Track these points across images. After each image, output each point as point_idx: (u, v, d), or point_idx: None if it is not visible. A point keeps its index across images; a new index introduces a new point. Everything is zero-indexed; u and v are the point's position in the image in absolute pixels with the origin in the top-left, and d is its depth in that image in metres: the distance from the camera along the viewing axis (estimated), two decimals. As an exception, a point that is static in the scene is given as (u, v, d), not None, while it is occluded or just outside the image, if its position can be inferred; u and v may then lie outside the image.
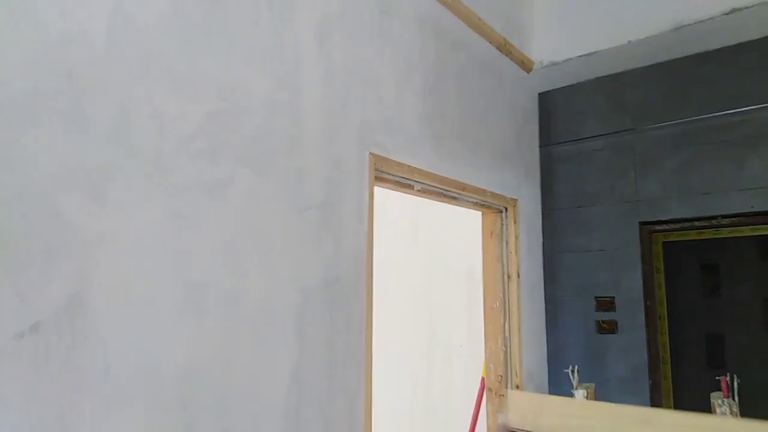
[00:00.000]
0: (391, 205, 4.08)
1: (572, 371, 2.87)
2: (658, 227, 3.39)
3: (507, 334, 3.09)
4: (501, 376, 3.02)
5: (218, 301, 1.59)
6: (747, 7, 2.75)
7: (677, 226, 3.32)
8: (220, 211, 1.62)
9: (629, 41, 3.12)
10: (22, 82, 1.22)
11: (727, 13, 2.80)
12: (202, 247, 1.56)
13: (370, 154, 2.24)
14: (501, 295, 3.11)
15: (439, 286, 3.97)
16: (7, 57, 1.20)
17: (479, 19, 2.88)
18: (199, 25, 1.61)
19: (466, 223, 3.59)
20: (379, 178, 2.34)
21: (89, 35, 1.35)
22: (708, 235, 3.37)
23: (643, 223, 3.39)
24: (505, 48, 3.12)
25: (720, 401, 2.41)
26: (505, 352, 3.06)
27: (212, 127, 1.62)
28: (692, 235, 3.40)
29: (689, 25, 2.92)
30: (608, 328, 3.41)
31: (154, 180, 1.45)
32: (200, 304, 1.54)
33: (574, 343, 3.49)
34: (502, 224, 3.21)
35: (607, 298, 3.44)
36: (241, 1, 1.75)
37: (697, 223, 3.26)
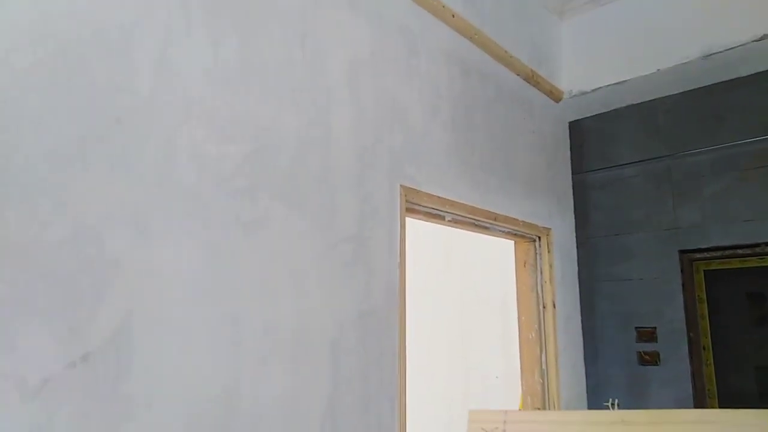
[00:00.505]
0: (423, 234, 4.11)
1: (612, 404, 2.80)
2: (698, 255, 3.31)
3: (544, 366, 3.04)
4: (538, 409, 2.97)
5: (254, 332, 1.64)
6: (779, 33, 2.73)
7: (718, 254, 3.24)
8: (256, 245, 1.69)
9: (658, 69, 3.12)
10: (74, 129, 1.33)
11: (757, 40, 2.78)
12: (239, 280, 1.63)
13: (401, 186, 2.29)
14: (537, 325, 3.07)
15: (473, 316, 3.95)
16: (60, 106, 1.31)
17: (506, 51, 2.93)
18: (237, 69, 1.72)
19: (499, 252, 3.58)
20: (411, 210, 2.39)
21: (135, 84, 1.46)
22: (752, 263, 3.27)
23: (682, 252, 3.32)
24: (533, 79, 3.16)
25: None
26: (543, 384, 3.01)
27: (249, 166, 1.70)
28: (735, 264, 3.30)
29: (719, 52, 2.91)
30: (650, 359, 3.32)
31: (194, 217, 1.53)
32: (237, 335, 1.60)
33: (615, 374, 3.40)
34: (536, 253, 3.19)
35: (649, 329, 3.36)
36: (275, 45, 1.85)
37: (740, 251, 3.18)
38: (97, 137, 1.36)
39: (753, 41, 2.79)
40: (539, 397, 2.99)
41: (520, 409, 3.17)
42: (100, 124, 1.37)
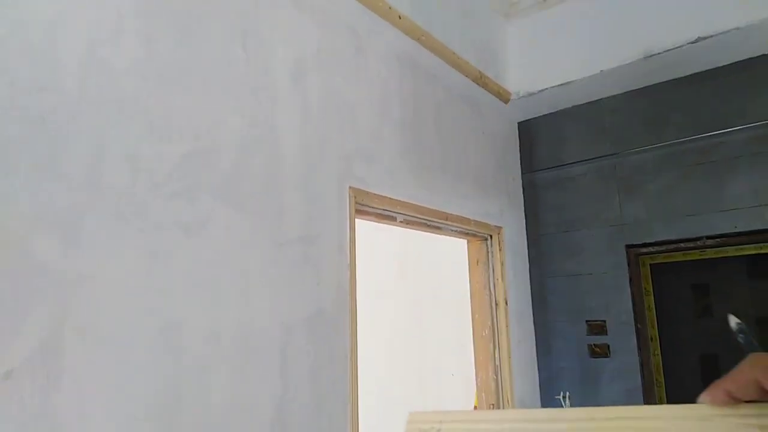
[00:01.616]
0: (378, 235, 4.10)
1: (564, 397, 2.84)
2: (644, 250, 3.41)
3: (497, 362, 3.07)
4: (493, 405, 2.99)
5: (195, 340, 1.59)
6: (711, 36, 2.84)
7: (663, 248, 3.35)
8: (197, 249, 1.64)
9: (602, 70, 3.20)
10: (-3, 130, 1.25)
11: (692, 42, 2.89)
12: (178, 286, 1.57)
13: (350, 188, 2.27)
14: (490, 323, 3.10)
15: (429, 316, 3.96)
16: (-20, 107, 1.24)
17: (454, 53, 2.96)
18: (173, 67, 1.66)
19: (453, 252, 3.61)
20: (361, 211, 2.37)
21: (61, 82, 1.39)
22: (694, 256, 3.38)
23: (629, 246, 3.42)
24: (481, 80, 3.19)
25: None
26: (497, 380, 3.04)
27: (188, 167, 1.65)
28: (678, 257, 3.42)
29: (659, 53, 3.00)
30: (601, 351, 3.39)
31: (128, 221, 1.47)
32: (177, 343, 1.54)
33: (567, 368, 3.47)
34: (488, 252, 3.22)
35: (599, 322, 3.44)
36: (215, 42, 1.81)
37: (682, 245, 3.28)
38: (20, 138, 1.29)
39: (689, 43, 2.90)
40: (493, 393, 3.02)
41: (475, 407, 3.19)
42: (23, 124, 1.30)
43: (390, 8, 2.53)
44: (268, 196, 1.90)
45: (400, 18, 2.59)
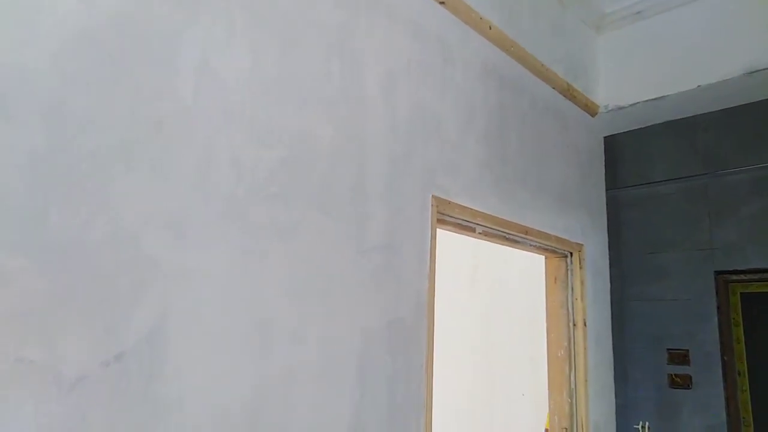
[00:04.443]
0: (450, 246, 4.08)
1: (642, 427, 2.72)
2: (735, 277, 3.21)
3: (572, 385, 2.97)
4: (566, 429, 2.90)
5: (283, 339, 1.65)
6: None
7: (756, 276, 3.14)
8: (289, 251, 1.70)
9: (699, 86, 3.05)
10: (117, 132, 1.36)
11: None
12: (271, 286, 1.64)
13: (433, 197, 2.28)
14: (566, 343, 3.01)
15: (500, 331, 3.90)
16: (105, 109, 1.34)
17: (542, 65, 2.91)
18: (275, 77, 1.73)
19: (528, 267, 3.54)
20: (442, 221, 2.37)
21: (178, 90, 1.48)
22: (792, 286, 3.15)
23: (718, 273, 3.23)
24: (568, 92, 3.12)
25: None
26: (571, 404, 2.95)
27: (285, 173, 1.71)
28: (775, 287, 3.19)
29: (764, 69, 2.83)
30: (682, 382, 3.22)
31: (230, 220, 1.55)
32: (267, 341, 1.60)
33: (645, 396, 3.31)
34: (567, 270, 3.14)
35: (681, 351, 3.27)
36: (313, 55, 1.87)
37: (780, 274, 3.07)
38: (139, 141, 1.39)
39: (798, 59, 2.71)
40: (567, 416, 2.93)
41: (546, 430, 3.11)
42: (143, 128, 1.40)
43: (481, 18, 2.52)
44: (355, 203, 1.94)
45: (490, 28, 2.58)
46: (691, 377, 3.19)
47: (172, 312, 1.40)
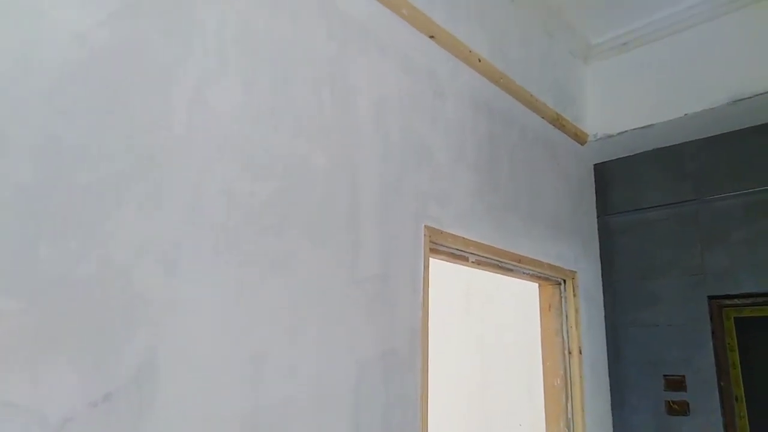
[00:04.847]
0: (442, 275, 4.07)
1: (642, 457, 2.68)
2: (728, 302, 3.22)
3: (570, 414, 2.94)
4: (563, 460, 2.86)
5: (277, 372, 1.62)
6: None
7: (749, 301, 3.15)
8: (282, 283, 1.68)
9: (686, 114, 3.10)
10: (111, 165, 1.35)
11: (785, 86, 2.76)
12: (264, 318, 1.62)
13: (425, 226, 2.28)
14: (562, 372, 2.99)
15: (495, 360, 3.86)
16: (99, 142, 1.34)
17: (531, 95, 2.95)
18: (267, 108, 1.75)
19: (521, 294, 3.52)
20: (434, 250, 2.37)
21: (171, 121, 1.49)
22: (786, 311, 3.16)
23: (711, 297, 3.23)
24: (558, 122, 3.16)
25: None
26: (568, 434, 2.91)
27: (278, 203, 1.71)
28: (767, 311, 3.20)
29: (748, 98, 2.89)
30: (679, 409, 3.19)
31: (222, 253, 1.54)
32: (259, 375, 1.57)
33: (643, 424, 3.27)
34: (561, 297, 3.13)
35: (677, 377, 3.25)
36: (306, 86, 1.89)
37: (772, 298, 3.08)
38: (132, 174, 1.39)
39: (781, 87, 2.77)
40: (564, 447, 2.88)
41: (544, 460, 3.05)
42: (136, 160, 1.40)
43: (470, 51, 2.57)
44: (348, 233, 1.94)
45: (480, 61, 2.62)
46: (688, 404, 3.16)
47: (163, 347, 1.37)
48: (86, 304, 1.26)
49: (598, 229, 3.67)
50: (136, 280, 1.35)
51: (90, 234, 1.29)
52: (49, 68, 1.28)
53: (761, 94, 2.85)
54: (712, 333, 3.17)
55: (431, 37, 2.40)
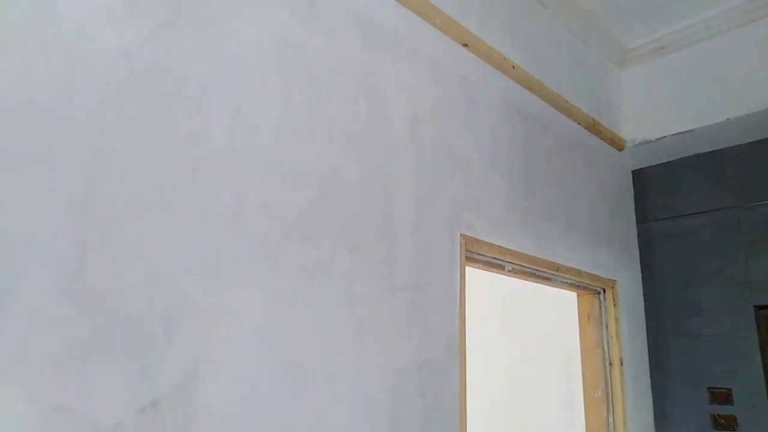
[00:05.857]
0: (479, 284, 4.03)
1: (688, 472, 2.59)
2: (776, 312, 3.10)
3: (611, 428, 2.86)
4: (605, 474, 2.78)
5: (315, 381, 1.63)
6: None
7: (799, 311, 3.02)
8: (319, 292, 1.69)
9: (728, 119, 3.02)
10: (154, 178, 1.39)
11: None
12: (302, 327, 1.63)
13: (461, 235, 2.27)
14: (603, 384, 2.91)
15: (533, 372, 3.79)
16: (142, 156, 1.38)
17: (566, 101, 2.92)
18: (304, 119, 1.77)
19: (560, 304, 3.46)
20: (470, 259, 2.35)
21: (211, 135, 1.52)
22: (838, 321, 3.02)
23: (758, 307, 3.11)
24: (594, 128, 3.11)
25: None
26: (610, 447, 2.83)
27: (314, 213, 1.73)
28: (818, 321, 3.07)
29: (793, 100, 2.80)
30: (726, 424, 3.07)
31: (261, 263, 1.56)
32: (298, 383, 1.58)
33: (687, 439, 3.16)
34: (601, 306, 3.06)
35: (724, 390, 3.13)
36: (341, 97, 1.91)
37: (824, 308, 2.95)
38: (175, 186, 1.42)
39: (830, 88, 2.67)
40: (606, 461, 2.81)
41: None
42: (178, 173, 1.43)
43: (504, 59, 2.56)
44: (383, 242, 1.94)
45: (513, 68, 2.60)
46: (735, 418, 3.04)
47: (206, 356, 1.39)
48: (133, 312, 1.29)
49: (638, 237, 3.58)
50: (178, 289, 1.38)
51: (136, 245, 1.32)
52: (95, 86, 1.33)
53: (807, 96, 2.75)
54: (760, 344, 3.05)
55: (465, 45, 2.39)
